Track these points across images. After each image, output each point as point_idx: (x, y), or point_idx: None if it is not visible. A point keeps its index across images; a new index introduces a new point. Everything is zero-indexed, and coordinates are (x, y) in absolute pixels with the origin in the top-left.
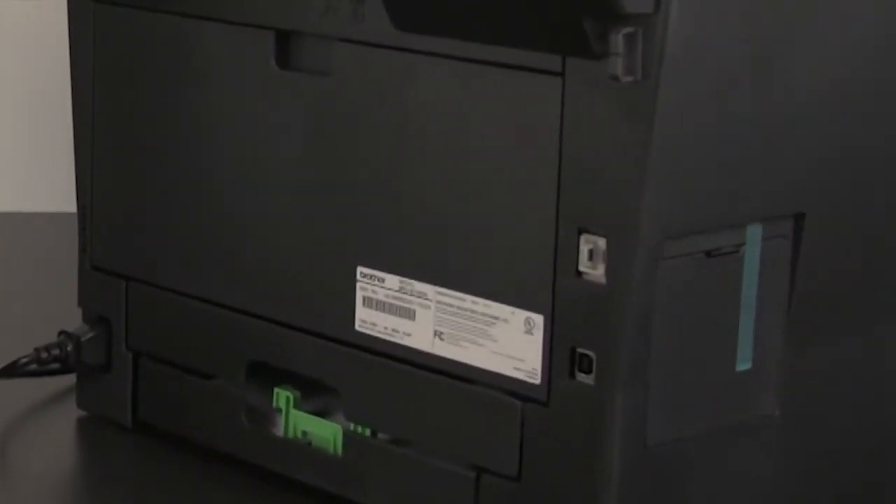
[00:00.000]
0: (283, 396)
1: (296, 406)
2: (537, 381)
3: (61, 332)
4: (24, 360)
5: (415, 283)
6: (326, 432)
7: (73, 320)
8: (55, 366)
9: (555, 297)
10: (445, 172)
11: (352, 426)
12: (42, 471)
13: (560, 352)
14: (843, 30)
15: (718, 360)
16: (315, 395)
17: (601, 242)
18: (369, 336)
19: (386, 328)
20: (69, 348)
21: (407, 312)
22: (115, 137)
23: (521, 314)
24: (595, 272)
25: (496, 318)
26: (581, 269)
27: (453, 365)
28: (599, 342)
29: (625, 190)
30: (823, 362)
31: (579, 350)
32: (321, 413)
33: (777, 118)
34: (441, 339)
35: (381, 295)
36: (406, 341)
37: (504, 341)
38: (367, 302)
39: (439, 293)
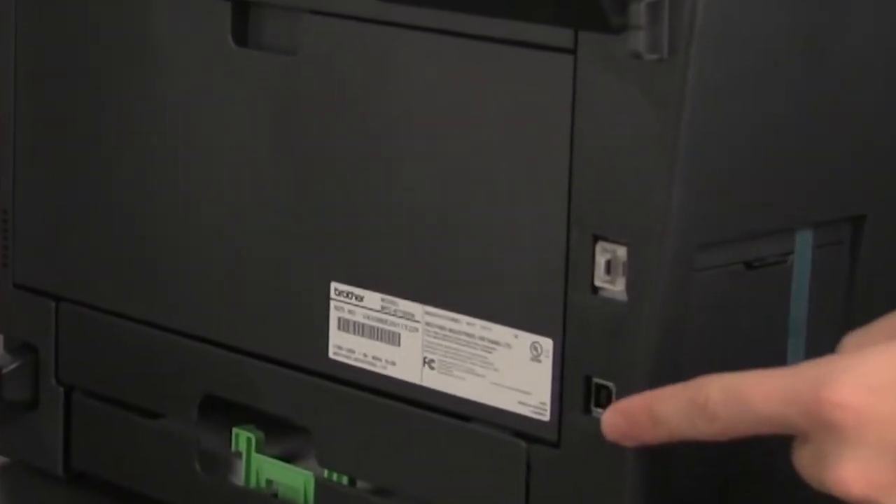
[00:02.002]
0: (243, 438)
1: (259, 449)
2: (546, 417)
3: None
4: None
5: (399, 301)
6: (295, 480)
7: None
8: None
9: (566, 317)
10: (435, 169)
11: (325, 473)
12: None
13: (573, 382)
14: None
15: None
16: (282, 437)
17: (621, 252)
18: (345, 365)
19: (365, 356)
20: None
21: (390, 336)
22: (42, 131)
23: (527, 338)
24: (614, 287)
25: (497, 342)
26: (597, 283)
27: (446, 399)
28: (619, 371)
29: (649, 189)
30: None
31: (595, 380)
32: (289, 458)
33: (830, 104)
34: (431, 368)
35: (359, 316)
36: (390, 371)
37: (506, 370)
38: (343, 324)
39: (428, 313)
